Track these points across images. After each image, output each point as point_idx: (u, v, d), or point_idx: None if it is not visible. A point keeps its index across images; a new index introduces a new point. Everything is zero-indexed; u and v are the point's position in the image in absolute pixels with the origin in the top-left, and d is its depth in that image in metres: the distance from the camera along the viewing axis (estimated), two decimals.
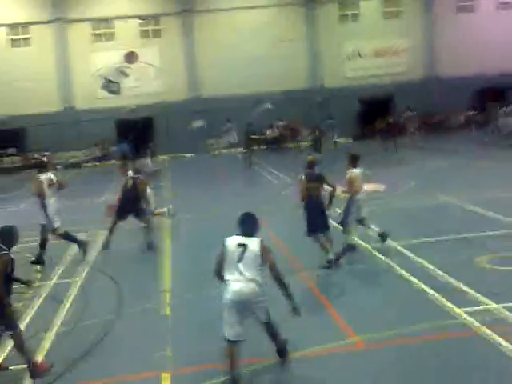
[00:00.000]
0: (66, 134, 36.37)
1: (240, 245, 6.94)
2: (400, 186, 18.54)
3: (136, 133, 34.27)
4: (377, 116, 34.37)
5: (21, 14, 36.62)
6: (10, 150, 36.06)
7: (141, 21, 37.83)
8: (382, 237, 11.97)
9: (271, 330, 7.24)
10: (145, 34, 38.06)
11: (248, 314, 6.99)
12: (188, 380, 7.41)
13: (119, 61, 37.43)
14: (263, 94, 35.75)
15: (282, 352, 7.40)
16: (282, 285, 7.04)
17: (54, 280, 11.75)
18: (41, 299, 10.62)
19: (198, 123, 36.20)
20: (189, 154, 36.49)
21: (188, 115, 36.17)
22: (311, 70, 38.69)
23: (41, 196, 12.70)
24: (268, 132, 36.60)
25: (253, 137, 31.52)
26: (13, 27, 36.91)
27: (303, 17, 38.74)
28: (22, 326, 9.12)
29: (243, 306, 6.87)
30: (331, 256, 10.92)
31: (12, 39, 37.07)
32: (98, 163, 36.27)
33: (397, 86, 37.38)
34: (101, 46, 37.45)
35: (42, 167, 13.52)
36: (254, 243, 6.96)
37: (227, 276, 6.92)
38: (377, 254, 11.60)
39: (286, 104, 35.66)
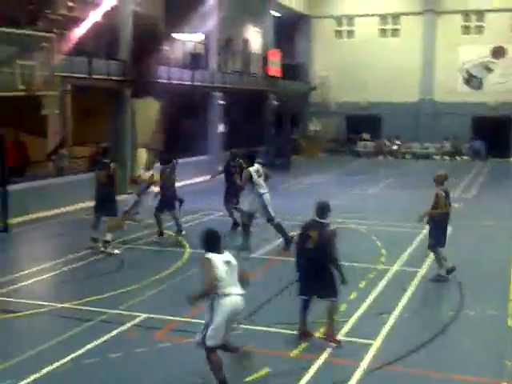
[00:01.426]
0: (420, 125, 36.84)
1: None
2: None
3: (492, 131, 33.00)
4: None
5: (393, 5, 37.83)
6: (365, 136, 37.92)
7: None
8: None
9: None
10: None
11: None
12: None
13: (485, 55, 36.34)
14: None
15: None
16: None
17: (397, 267, 12.12)
18: (384, 282, 11.07)
19: None
20: None
21: None
22: None
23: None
24: None
25: None
26: (383, 17, 38.38)
27: None
28: (365, 305, 9.73)
29: None
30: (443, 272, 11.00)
31: (381, 29, 38.59)
32: (447, 157, 35.96)
33: None
34: (469, 39, 36.74)
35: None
36: None
37: None
38: None
39: None
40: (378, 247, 13.64)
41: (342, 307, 9.38)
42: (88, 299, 9.79)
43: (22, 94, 13.30)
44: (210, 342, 6.66)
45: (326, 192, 22.37)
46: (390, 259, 12.57)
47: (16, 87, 13.08)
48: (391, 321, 9.12)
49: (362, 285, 10.74)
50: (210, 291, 6.66)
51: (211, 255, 6.72)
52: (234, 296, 6.72)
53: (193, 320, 8.91)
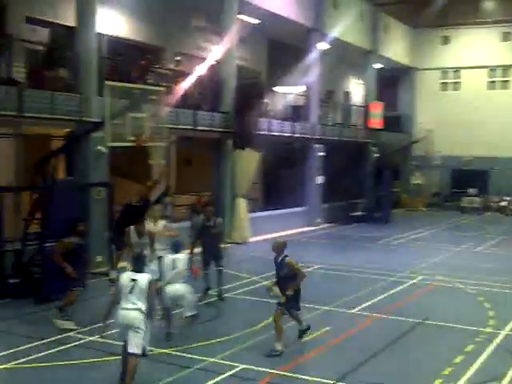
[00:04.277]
0: None
1: None
2: None
3: None
4: None
5: (502, 57, 36.73)
6: (471, 191, 36.61)
7: None
8: None
9: None
10: None
11: None
12: None
13: None
14: None
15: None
16: None
17: (507, 331, 11.46)
18: (492, 347, 10.47)
19: None
20: None
21: None
22: None
23: None
24: None
25: None
26: (492, 69, 37.42)
27: None
28: (471, 370, 9.19)
29: None
30: None
31: (489, 81, 37.58)
32: None
33: None
34: None
35: None
36: None
37: None
38: None
39: None
40: (485, 309, 12.95)
41: (447, 371, 8.93)
42: (187, 346, 9.84)
43: (132, 144, 13.82)
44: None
45: (428, 247, 21.80)
46: (499, 322, 11.89)
47: (126, 138, 13.62)
48: None
49: (469, 348, 10.18)
50: None
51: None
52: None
53: (288, 374, 8.77)
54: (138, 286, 7.86)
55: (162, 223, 12.40)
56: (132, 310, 7.80)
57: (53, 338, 10.15)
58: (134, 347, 7.73)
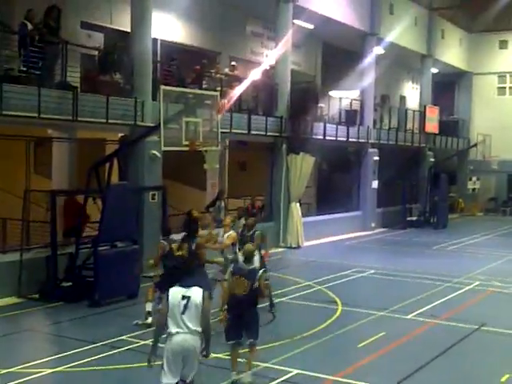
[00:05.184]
0: None
1: None
2: None
3: None
4: None
5: None
6: None
7: None
8: None
9: None
10: None
11: None
12: None
13: None
14: None
15: None
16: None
17: None
18: None
19: None
20: None
21: None
22: None
23: None
24: None
25: None
26: (501, 75, 36.76)
27: None
28: None
29: None
30: None
31: (499, 87, 37.06)
32: None
33: None
34: None
35: None
36: None
37: None
38: None
39: None
40: None
41: (505, 378, 8.66)
42: (240, 351, 9.76)
43: (186, 149, 13.88)
44: None
45: (484, 253, 21.26)
46: None
47: (181, 143, 13.70)
48: None
49: None
50: None
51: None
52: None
53: (343, 379, 8.63)
54: (191, 304, 6.56)
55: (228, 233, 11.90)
56: (187, 334, 6.51)
57: (105, 342, 10.19)
58: (192, 377, 6.62)
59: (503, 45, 37.43)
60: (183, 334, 6.47)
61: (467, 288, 15.24)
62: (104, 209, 13.24)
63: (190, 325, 6.48)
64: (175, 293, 6.61)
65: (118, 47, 16.80)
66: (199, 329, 6.53)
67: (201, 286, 6.74)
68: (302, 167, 21.68)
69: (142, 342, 10.05)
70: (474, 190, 36.84)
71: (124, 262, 13.20)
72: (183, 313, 6.50)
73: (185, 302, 6.52)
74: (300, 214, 21.94)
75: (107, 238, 13.30)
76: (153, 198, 15.96)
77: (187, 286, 6.65)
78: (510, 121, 35.92)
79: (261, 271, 9.10)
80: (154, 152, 15.80)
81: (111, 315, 12.07)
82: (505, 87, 37.75)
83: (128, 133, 15.96)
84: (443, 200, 29.56)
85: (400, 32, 28.16)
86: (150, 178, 16.08)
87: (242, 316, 8.33)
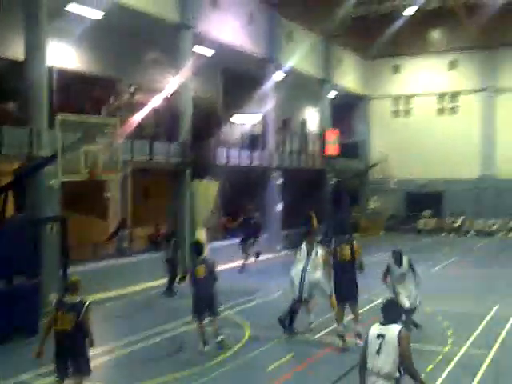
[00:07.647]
0: (482, 201, 36.06)
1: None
2: None
3: None
4: None
5: (451, 84, 37.87)
6: (425, 213, 37.21)
7: None
8: None
9: None
10: None
11: None
12: None
13: None
14: None
15: None
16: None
17: (466, 348, 11.52)
18: (451, 366, 10.48)
19: None
20: None
21: None
22: None
23: None
24: None
25: None
26: (441, 96, 38.41)
27: None
28: None
29: None
30: None
31: (439, 108, 38.56)
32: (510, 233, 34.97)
33: None
34: None
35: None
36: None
37: None
38: None
39: None
40: (443, 328, 13.04)
41: None
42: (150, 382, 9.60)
43: (86, 178, 13.57)
44: None
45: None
46: (458, 341, 11.96)
47: (80, 172, 13.39)
48: None
49: (429, 368, 10.18)
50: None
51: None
52: None
53: None
54: (386, 345, 6.03)
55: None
56: (380, 377, 6.02)
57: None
58: None
59: (396, 69, 39.24)
60: None
61: (371, 305, 15.55)
62: None
63: None
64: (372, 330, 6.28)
65: (11, 76, 16.30)
66: None
67: None
68: (206, 192, 21.67)
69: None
70: (374, 209, 38.05)
71: (22, 297, 12.67)
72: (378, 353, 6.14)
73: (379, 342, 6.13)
74: (206, 239, 21.84)
75: (3, 273, 12.76)
76: (52, 230, 15.47)
77: None
78: (405, 142, 37.57)
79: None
80: (52, 182, 15.34)
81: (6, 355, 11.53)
82: (399, 110, 39.46)
83: (24, 163, 15.44)
84: (345, 220, 30.19)
85: (299, 58, 29.00)
86: (49, 209, 15.59)
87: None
